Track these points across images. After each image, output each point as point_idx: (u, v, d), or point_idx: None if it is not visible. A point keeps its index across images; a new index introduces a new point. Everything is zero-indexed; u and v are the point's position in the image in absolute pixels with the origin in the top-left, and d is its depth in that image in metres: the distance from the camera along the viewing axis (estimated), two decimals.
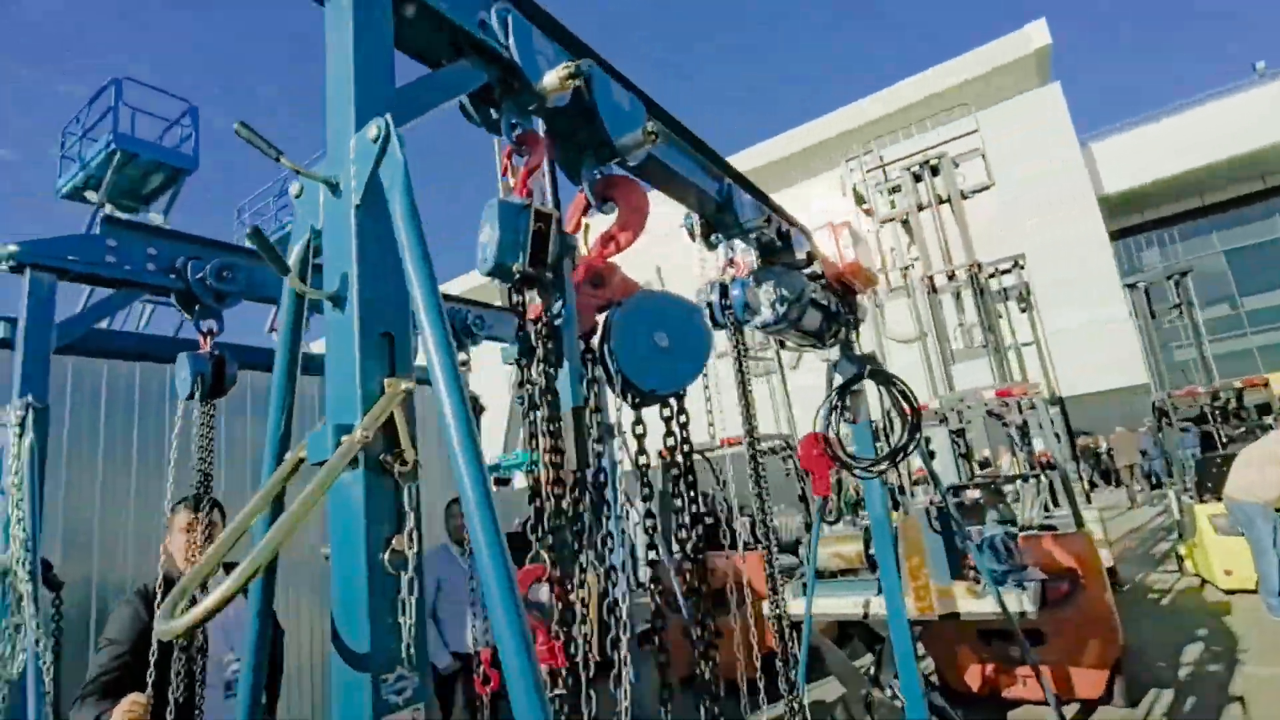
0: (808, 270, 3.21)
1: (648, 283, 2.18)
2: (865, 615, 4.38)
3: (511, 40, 1.59)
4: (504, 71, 1.61)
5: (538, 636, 1.45)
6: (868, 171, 10.33)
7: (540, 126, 1.89)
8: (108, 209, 11.30)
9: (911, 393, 3.06)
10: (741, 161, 27.27)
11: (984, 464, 9.14)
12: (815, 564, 3.99)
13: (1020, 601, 4.02)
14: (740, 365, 2.57)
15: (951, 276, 8.40)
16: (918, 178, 8.62)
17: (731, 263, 2.70)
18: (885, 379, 3.16)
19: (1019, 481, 6.59)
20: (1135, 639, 6.18)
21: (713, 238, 2.74)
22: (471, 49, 1.55)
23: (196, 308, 2.67)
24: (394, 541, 1.06)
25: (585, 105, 1.84)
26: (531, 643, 0.90)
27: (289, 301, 1.23)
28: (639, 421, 1.76)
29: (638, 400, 1.77)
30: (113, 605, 2.77)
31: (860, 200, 10.57)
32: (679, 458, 1.81)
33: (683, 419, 1.83)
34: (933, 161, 8.45)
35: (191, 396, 2.59)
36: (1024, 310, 9.97)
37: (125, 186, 12.01)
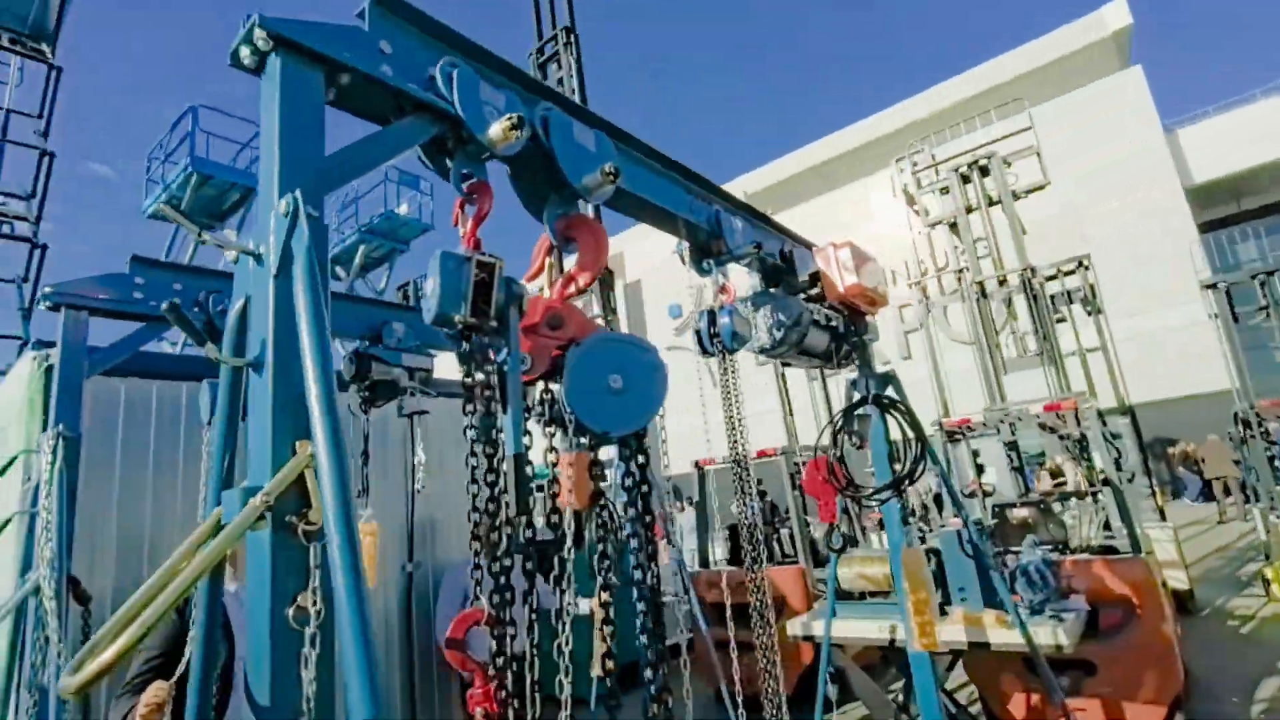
0: (813, 290, 3.15)
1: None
2: (892, 641, 4.23)
3: (456, 95, 1.64)
4: (451, 125, 1.67)
5: (475, 681, 1.49)
6: (918, 171, 9.95)
7: (506, 170, 1.94)
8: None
9: (914, 419, 2.94)
10: (793, 162, 26.75)
11: (1055, 475, 8.68)
12: (834, 586, 3.89)
13: (1056, 634, 3.79)
14: (729, 392, 2.54)
15: (1003, 282, 7.99)
16: (965, 179, 8.23)
17: (723, 289, 2.67)
18: (888, 405, 3.05)
19: (1073, 499, 6.21)
20: (1206, 670, 5.73)
21: (704, 264, 2.73)
22: (415, 108, 1.61)
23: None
24: (299, 599, 1.11)
25: (543, 149, 1.88)
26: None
27: (225, 369, 1.31)
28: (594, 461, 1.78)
29: (595, 441, 1.79)
30: None
31: (912, 201, 10.20)
32: (638, 497, 1.82)
33: (640, 459, 1.84)
34: (981, 162, 8.05)
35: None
36: (1090, 313, 9.39)
37: (203, 205, 12.90)
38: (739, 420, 2.53)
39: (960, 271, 9.03)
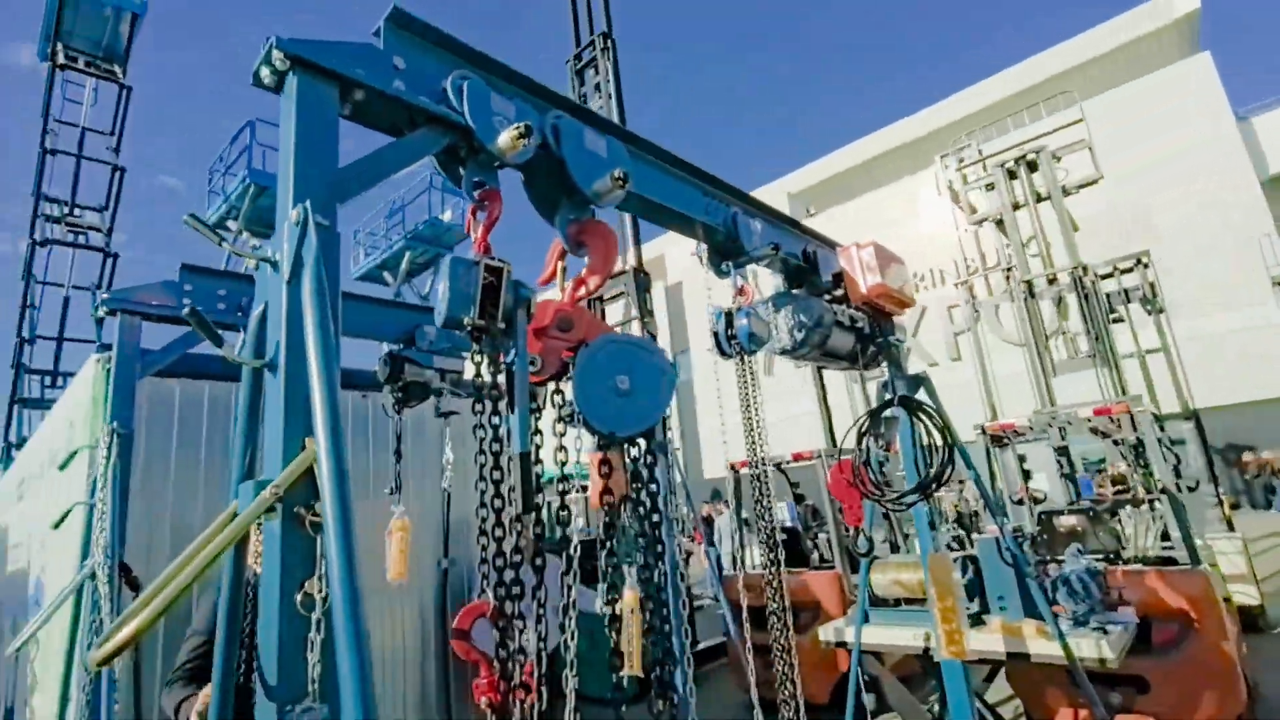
0: (837, 291, 3.12)
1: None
2: (926, 650, 4.14)
3: (466, 107, 1.70)
4: (463, 135, 1.73)
5: (481, 671, 1.54)
6: (964, 166, 9.67)
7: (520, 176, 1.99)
8: (244, 236, 12.78)
9: (943, 422, 2.88)
10: (844, 156, 26.23)
11: (1118, 483, 8.32)
12: (865, 592, 3.82)
13: (1100, 647, 3.65)
14: (747, 395, 2.54)
15: (1052, 280, 7.69)
16: (1012, 174, 7.94)
17: (741, 290, 2.67)
18: (914, 407, 3.00)
19: (1128, 507, 5.94)
20: (1277, 689, 5.40)
21: (723, 266, 2.74)
22: (427, 120, 1.68)
23: None
24: (306, 585, 1.18)
25: (554, 156, 1.93)
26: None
27: (246, 370, 1.39)
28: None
29: (604, 442, 1.82)
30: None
31: (957, 198, 9.92)
32: (644, 497, 1.84)
33: (649, 460, 1.86)
34: (1029, 156, 7.76)
35: None
36: (1150, 313, 8.96)
37: (260, 215, 13.53)
38: (758, 423, 2.53)
39: (1008, 270, 8.73)
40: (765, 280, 3.37)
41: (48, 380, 12.16)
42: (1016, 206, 7.89)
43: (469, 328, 1.61)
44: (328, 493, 1.08)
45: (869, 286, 2.93)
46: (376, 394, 4.04)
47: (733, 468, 7.82)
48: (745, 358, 2.56)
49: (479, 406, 1.60)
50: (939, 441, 2.84)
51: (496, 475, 1.56)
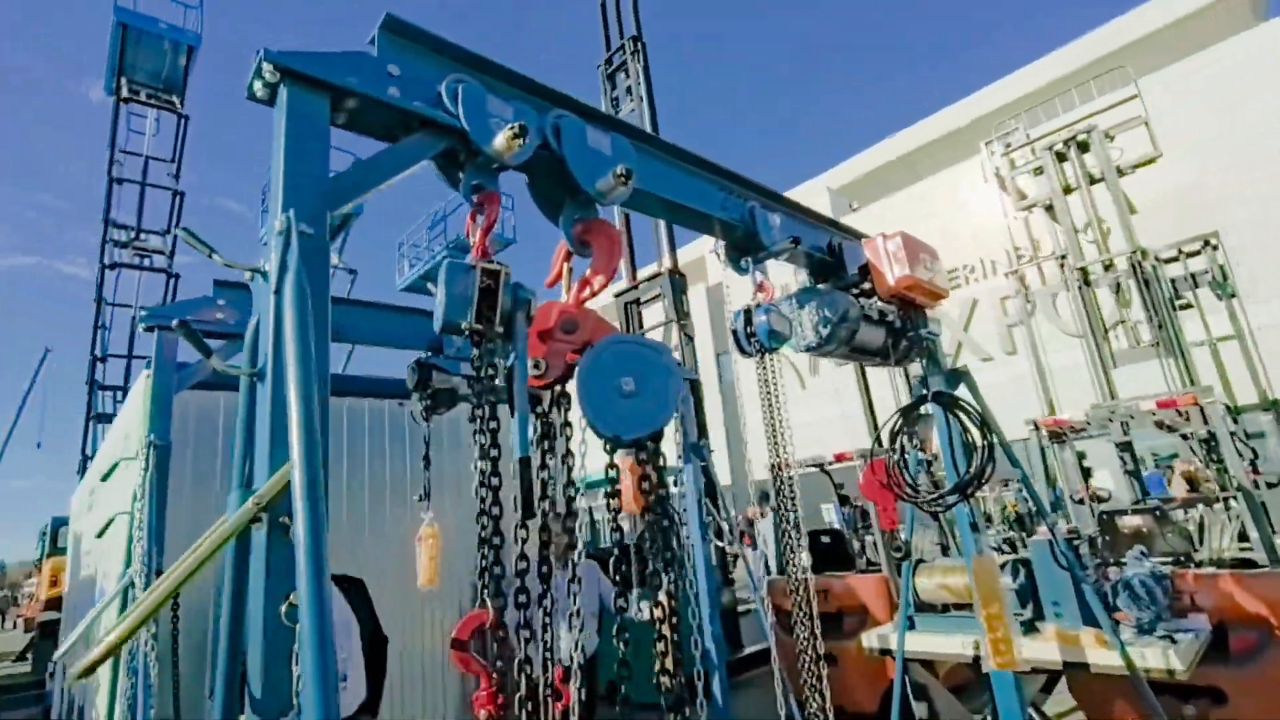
0: (865, 284, 3.00)
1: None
2: (976, 658, 3.93)
3: (461, 110, 1.68)
4: (460, 139, 1.71)
5: (481, 683, 1.51)
6: (1011, 151, 9.26)
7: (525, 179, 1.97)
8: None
9: (981, 418, 2.72)
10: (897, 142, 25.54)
11: (1192, 480, 7.82)
12: (908, 597, 3.66)
13: (1167, 657, 3.40)
14: (769, 394, 2.45)
15: (1109, 266, 7.28)
16: (1061, 156, 7.55)
17: (760, 287, 2.59)
18: (950, 403, 2.85)
19: (1200, 506, 5.55)
20: None
21: (741, 262, 2.66)
22: (422, 125, 1.67)
23: None
24: (291, 597, 1.17)
25: (555, 156, 1.89)
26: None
27: (243, 379, 1.40)
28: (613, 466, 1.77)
29: (610, 446, 1.78)
30: None
31: (1004, 185, 9.53)
32: (651, 501, 1.78)
33: (659, 461, 1.81)
34: (1080, 136, 7.36)
35: None
36: (1221, 298, 8.41)
37: None
38: (781, 423, 2.44)
39: (1062, 258, 8.33)
40: (788, 276, 3.27)
41: (119, 396, 12.88)
42: (1068, 190, 7.50)
43: (467, 332, 1.59)
44: (299, 501, 1.07)
45: (896, 278, 2.80)
46: (406, 402, 4.10)
47: (774, 468, 7.66)
48: (766, 356, 2.47)
49: (477, 411, 1.57)
50: (978, 439, 2.69)
51: (495, 481, 1.53)
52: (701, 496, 4.73)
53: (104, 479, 3.22)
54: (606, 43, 11.72)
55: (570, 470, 1.77)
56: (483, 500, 1.53)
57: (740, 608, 9.51)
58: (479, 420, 1.56)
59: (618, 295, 11.66)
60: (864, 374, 8.58)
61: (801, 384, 25.06)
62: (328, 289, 1.33)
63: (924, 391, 3.05)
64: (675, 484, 5.01)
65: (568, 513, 1.75)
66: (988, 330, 20.08)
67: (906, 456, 2.92)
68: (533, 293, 1.70)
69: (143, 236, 12.90)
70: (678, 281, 8.70)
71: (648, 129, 9.67)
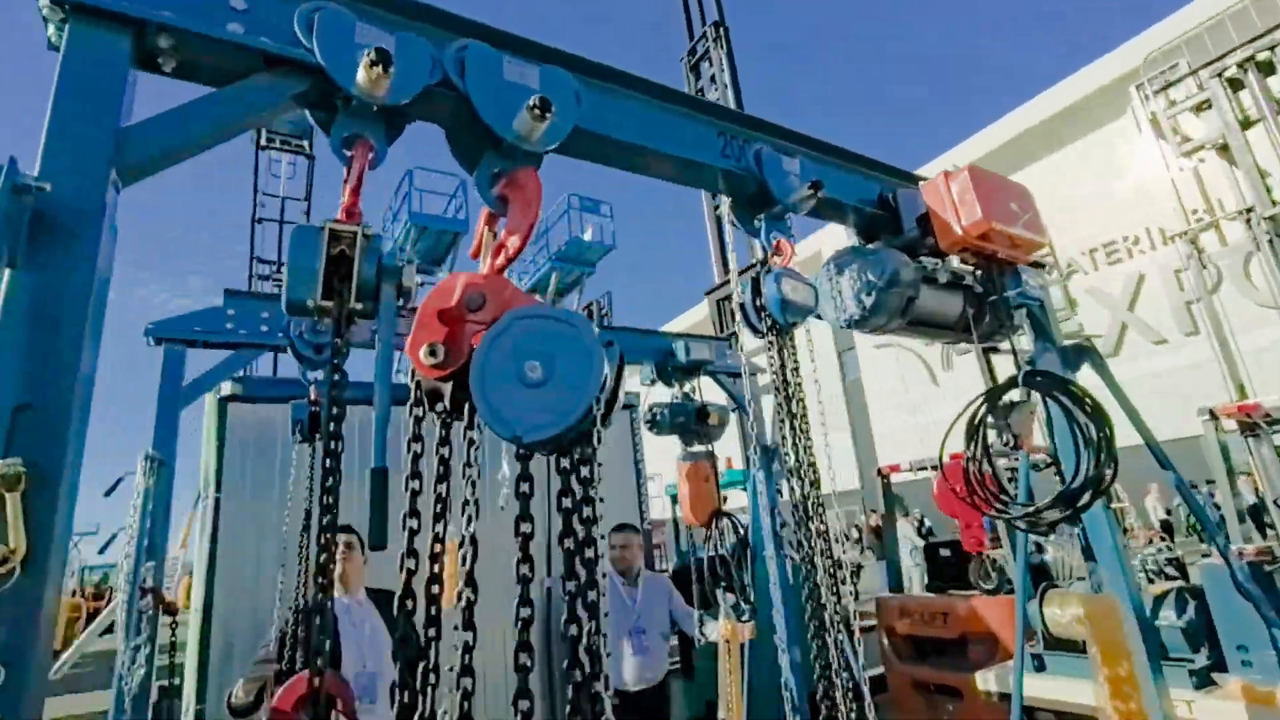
0: (928, 240, 2.36)
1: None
2: None
3: (315, 41, 1.37)
4: (322, 79, 1.40)
5: None
6: (1170, 85, 7.70)
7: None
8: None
9: (1091, 405, 2.00)
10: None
11: None
12: (1023, 629, 2.91)
13: None
14: (784, 380, 1.93)
15: None
16: (1236, 83, 6.06)
17: (778, 248, 2.07)
18: (1049, 385, 2.14)
19: None
20: None
21: (754, 221, 2.15)
22: (269, 65, 1.37)
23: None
24: None
25: (459, 93, 1.54)
26: None
27: None
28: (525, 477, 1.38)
29: (520, 451, 1.39)
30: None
31: (1161, 129, 7.96)
32: (575, 525, 1.36)
33: (584, 471, 1.38)
34: (1260, 56, 5.84)
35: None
36: None
37: (424, 252, 14.85)
38: (801, 418, 1.91)
39: (1247, 212, 6.76)
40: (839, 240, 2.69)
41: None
42: (1247, 124, 6.02)
43: (315, 311, 1.26)
44: None
45: (965, 225, 2.14)
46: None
47: (880, 474, 6.80)
48: (781, 335, 1.96)
49: (325, 414, 1.24)
50: (1093, 432, 1.98)
51: (329, 500, 1.19)
52: (776, 506, 4.18)
53: (106, 495, 3.31)
54: (690, 32, 11.32)
55: (475, 486, 1.40)
56: (318, 524, 1.19)
57: (866, 623, 8.62)
58: (324, 424, 1.23)
59: (709, 293, 11.11)
60: (989, 364, 7.46)
61: (933, 379, 22.94)
62: (91, 275, 1.06)
63: (1020, 372, 2.35)
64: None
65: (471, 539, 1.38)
66: (1159, 308, 17.26)
67: (992, 457, 2.24)
68: (405, 261, 1.35)
69: (283, 270, 14.21)
70: None
71: None
